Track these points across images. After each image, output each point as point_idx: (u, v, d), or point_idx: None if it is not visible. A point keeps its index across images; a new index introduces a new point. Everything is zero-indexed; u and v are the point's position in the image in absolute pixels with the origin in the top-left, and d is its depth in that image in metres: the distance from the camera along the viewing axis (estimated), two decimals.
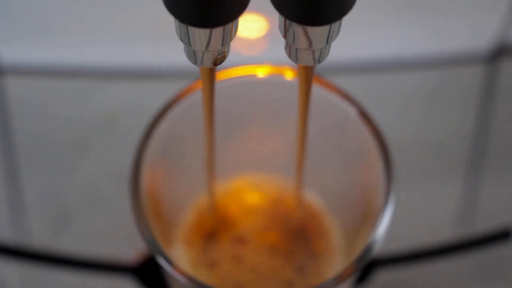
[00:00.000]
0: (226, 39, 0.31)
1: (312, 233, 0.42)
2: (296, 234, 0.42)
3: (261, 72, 0.40)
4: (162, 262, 0.36)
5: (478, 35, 0.56)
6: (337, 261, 0.42)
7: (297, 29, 0.30)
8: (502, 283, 0.51)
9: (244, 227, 0.43)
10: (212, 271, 0.41)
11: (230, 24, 0.30)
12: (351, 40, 0.53)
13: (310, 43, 0.31)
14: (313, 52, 0.31)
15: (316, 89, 0.38)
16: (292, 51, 0.32)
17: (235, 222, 0.43)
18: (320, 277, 0.41)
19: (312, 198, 0.43)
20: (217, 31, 0.30)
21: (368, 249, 0.37)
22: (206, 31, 0.30)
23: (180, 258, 0.42)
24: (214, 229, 0.42)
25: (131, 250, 0.47)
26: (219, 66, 0.33)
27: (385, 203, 0.37)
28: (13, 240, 0.51)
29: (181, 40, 0.31)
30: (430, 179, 0.53)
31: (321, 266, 0.42)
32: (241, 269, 0.41)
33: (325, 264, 0.42)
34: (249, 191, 0.44)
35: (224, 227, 0.43)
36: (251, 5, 0.30)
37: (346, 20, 0.31)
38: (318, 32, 0.30)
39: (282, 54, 0.33)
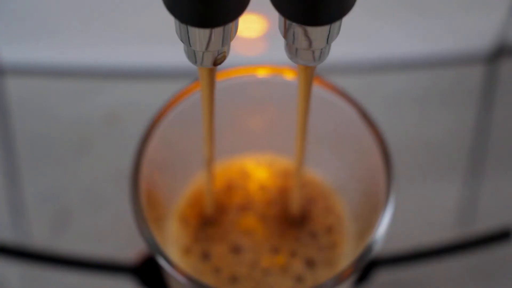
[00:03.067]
0: (226, 39, 0.31)
1: (321, 225, 0.42)
2: (303, 226, 0.42)
3: (261, 72, 0.40)
4: (162, 262, 0.36)
5: (478, 35, 0.56)
6: (346, 256, 0.41)
7: (297, 29, 0.30)
8: (502, 283, 0.51)
9: (244, 218, 0.42)
10: (205, 262, 0.41)
11: (230, 24, 0.30)
12: (352, 40, 0.53)
13: (310, 43, 0.31)
14: (313, 52, 0.31)
15: (316, 89, 0.38)
16: (292, 51, 0.32)
17: (234, 213, 0.42)
18: (330, 272, 0.41)
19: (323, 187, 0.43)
20: (217, 31, 0.30)
21: (368, 249, 0.37)
22: (206, 31, 0.30)
23: (173, 247, 0.41)
24: (211, 217, 0.42)
25: (131, 250, 0.47)
26: (219, 66, 0.33)
27: (385, 203, 0.37)
28: (13, 240, 0.51)
29: (181, 40, 0.31)
30: (430, 179, 0.53)
31: (331, 260, 0.41)
32: (238, 262, 0.41)
33: (335, 257, 0.41)
34: (249, 185, 0.44)
35: (222, 217, 0.42)
36: (251, 5, 0.30)
37: (346, 20, 0.31)
38: (318, 32, 0.30)
39: (282, 54, 0.33)
